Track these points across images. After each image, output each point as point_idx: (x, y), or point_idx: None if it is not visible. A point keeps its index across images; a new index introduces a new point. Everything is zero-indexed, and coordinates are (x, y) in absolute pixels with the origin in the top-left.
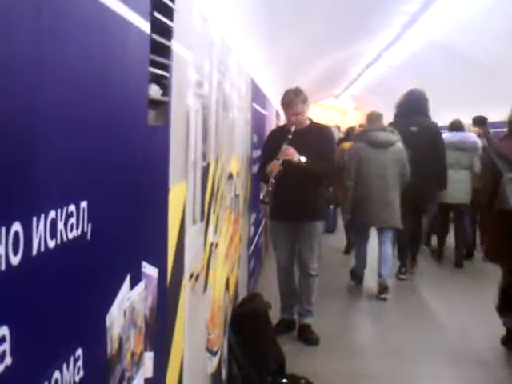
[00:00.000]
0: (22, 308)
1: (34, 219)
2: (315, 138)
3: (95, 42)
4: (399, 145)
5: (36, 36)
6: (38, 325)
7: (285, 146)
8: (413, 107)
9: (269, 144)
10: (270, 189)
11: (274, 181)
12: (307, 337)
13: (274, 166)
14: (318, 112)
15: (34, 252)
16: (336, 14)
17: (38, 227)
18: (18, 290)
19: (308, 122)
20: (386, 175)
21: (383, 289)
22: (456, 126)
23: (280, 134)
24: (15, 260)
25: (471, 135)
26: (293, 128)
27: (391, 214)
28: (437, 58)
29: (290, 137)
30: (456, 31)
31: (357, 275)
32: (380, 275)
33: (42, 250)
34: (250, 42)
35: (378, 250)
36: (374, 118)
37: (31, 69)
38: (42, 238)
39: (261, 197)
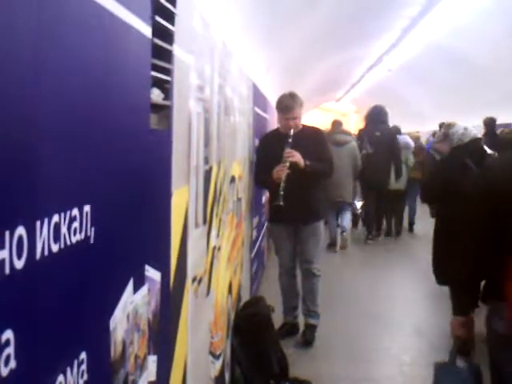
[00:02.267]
0: (26, 312)
1: (38, 223)
2: (311, 140)
3: (96, 45)
4: (353, 143)
5: (36, 40)
6: (42, 328)
7: (288, 150)
8: (376, 117)
9: (264, 149)
10: (282, 192)
11: (284, 184)
12: (308, 336)
13: (282, 171)
14: (318, 115)
15: (38, 256)
16: (337, 17)
17: (41, 231)
18: (22, 293)
19: (301, 125)
20: (343, 165)
21: (344, 240)
22: (396, 130)
23: (275, 138)
24: (19, 264)
25: (404, 137)
26: (291, 132)
27: (346, 192)
28: (437, 62)
29: (290, 140)
30: (456, 34)
31: (331, 244)
32: (339, 225)
33: (46, 253)
34: (251, 46)
35: (340, 217)
36: (336, 124)
37: (32, 74)
38: (45, 241)
39: (270, 201)
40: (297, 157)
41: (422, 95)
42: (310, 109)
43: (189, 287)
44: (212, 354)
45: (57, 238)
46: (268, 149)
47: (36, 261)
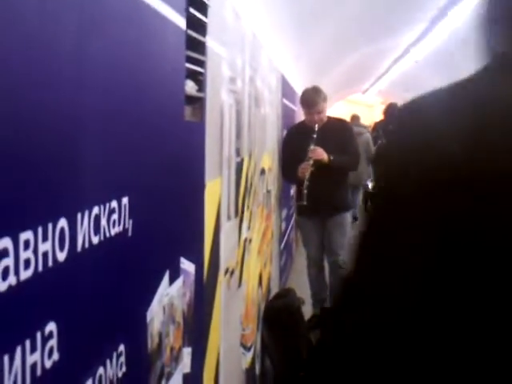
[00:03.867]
0: (68, 304)
1: (79, 215)
2: (337, 132)
3: (134, 38)
4: (367, 135)
5: (78, 32)
6: (84, 321)
7: (312, 147)
8: (392, 113)
9: (290, 143)
10: (305, 191)
11: (308, 183)
12: None
13: (306, 169)
14: (345, 107)
15: (79, 248)
16: (365, 8)
17: (82, 223)
18: (64, 286)
19: (326, 118)
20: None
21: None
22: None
23: (301, 131)
24: (61, 256)
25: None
26: (316, 127)
27: (361, 175)
28: (464, 53)
29: (315, 136)
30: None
31: None
32: None
33: (87, 246)
34: (280, 38)
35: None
36: (354, 118)
37: (73, 68)
38: (86, 234)
39: (296, 196)
40: (320, 154)
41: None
42: (336, 101)
43: (221, 279)
44: (243, 345)
45: (97, 231)
46: (294, 142)
47: (77, 253)
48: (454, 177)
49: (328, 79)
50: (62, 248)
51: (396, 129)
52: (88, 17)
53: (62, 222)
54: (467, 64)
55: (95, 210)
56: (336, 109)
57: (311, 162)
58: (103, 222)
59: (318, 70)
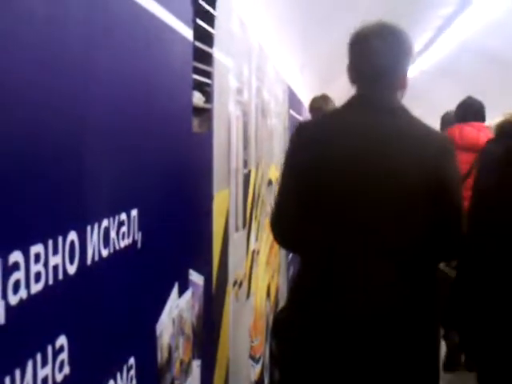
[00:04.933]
0: (79, 317)
1: (89, 228)
2: None
3: (141, 49)
4: None
5: (84, 42)
6: (94, 334)
7: None
8: None
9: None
10: None
11: None
12: None
13: None
14: None
15: (89, 261)
16: (369, 17)
17: (92, 236)
18: (75, 299)
19: None
20: None
21: None
22: None
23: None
24: (72, 269)
25: None
26: None
27: None
28: (471, 61)
29: None
30: (490, 33)
31: None
32: None
33: (96, 258)
34: (286, 49)
35: None
36: None
37: (80, 78)
38: (95, 246)
39: None
40: None
41: (454, 95)
42: None
43: (230, 291)
44: (252, 357)
45: (106, 243)
46: None
47: (87, 266)
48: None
49: (335, 89)
50: (72, 261)
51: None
52: (94, 27)
53: (72, 235)
54: (474, 72)
55: (104, 222)
56: None
57: None
58: (112, 234)
59: (324, 81)
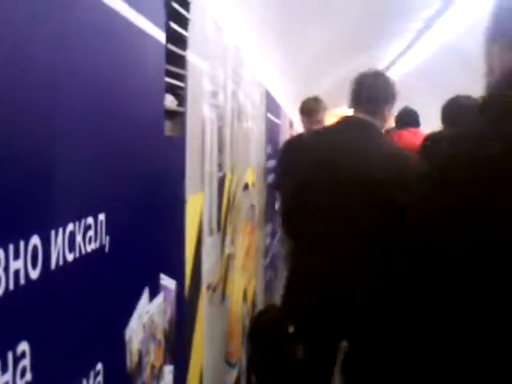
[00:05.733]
0: (42, 322)
1: (53, 232)
2: None
3: (111, 51)
4: None
5: (50, 45)
6: (58, 339)
7: None
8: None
9: (288, 155)
10: None
11: None
12: None
13: None
14: (330, 121)
15: (53, 265)
16: (351, 22)
17: (56, 240)
18: (38, 304)
19: None
20: None
21: None
22: None
23: (298, 143)
24: (34, 274)
25: None
26: None
27: None
28: (451, 64)
29: None
30: (470, 35)
31: None
32: None
33: (61, 263)
34: (264, 52)
35: None
36: None
37: (46, 80)
38: (60, 251)
39: None
40: None
41: (434, 98)
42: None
43: (203, 295)
44: (228, 362)
45: (72, 248)
46: (292, 155)
47: (51, 270)
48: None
49: (314, 92)
50: (34, 266)
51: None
52: (61, 29)
53: (35, 240)
54: (455, 74)
55: (70, 226)
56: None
57: None
58: (78, 238)
59: (303, 84)
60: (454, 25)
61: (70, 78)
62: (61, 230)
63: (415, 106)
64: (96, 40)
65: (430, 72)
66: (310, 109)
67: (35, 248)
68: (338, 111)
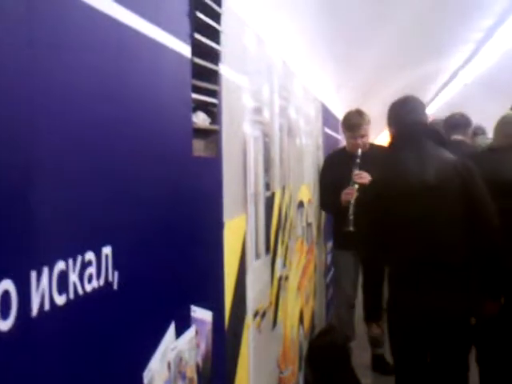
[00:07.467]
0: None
1: (33, 274)
2: (380, 159)
3: (128, 68)
4: None
5: (60, 68)
6: None
7: (357, 172)
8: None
9: (330, 170)
10: (351, 217)
11: (354, 208)
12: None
13: (351, 194)
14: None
15: (34, 312)
16: (410, 32)
17: (38, 282)
18: (14, 358)
19: (368, 144)
20: None
21: None
22: None
23: (342, 158)
24: (4, 325)
25: None
26: (359, 152)
27: None
28: None
29: (358, 161)
30: None
31: None
32: None
33: (47, 308)
34: (317, 66)
35: None
36: None
37: (60, 99)
38: (45, 294)
39: (336, 227)
40: (367, 178)
41: (499, 108)
42: (385, 128)
43: (249, 323)
44: None
45: (63, 289)
46: (334, 170)
47: (32, 318)
48: None
49: (374, 106)
50: (4, 316)
51: None
52: (76, 50)
53: (6, 284)
54: None
55: (60, 264)
56: (385, 136)
57: (356, 186)
58: (73, 277)
59: (362, 97)
60: None
61: (83, 98)
62: (46, 271)
63: (477, 114)
64: (105, 54)
65: (492, 81)
66: (353, 123)
67: (7, 293)
68: None
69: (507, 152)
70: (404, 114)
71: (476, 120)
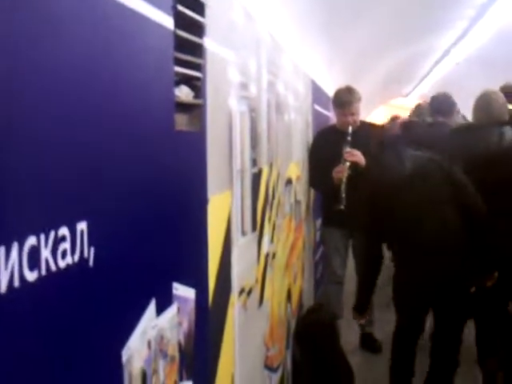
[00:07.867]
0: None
1: (2, 249)
2: (369, 137)
3: (102, 38)
4: None
5: (40, 36)
6: (34, 372)
7: (348, 149)
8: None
9: (320, 148)
10: (343, 195)
11: (345, 186)
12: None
13: (342, 172)
14: (387, 112)
15: (3, 289)
16: (402, 9)
17: (7, 258)
18: None
19: (359, 122)
20: None
21: None
22: None
23: (332, 136)
24: None
25: None
26: (350, 129)
27: None
28: (507, 50)
29: (349, 139)
30: None
31: None
32: None
33: (16, 284)
34: (308, 42)
35: None
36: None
37: (38, 72)
38: (15, 270)
39: (325, 205)
40: (358, 156)
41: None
42: (377, 105)
43: (234, 301)
44: (268, 367)
45: (34, 265)
46: (324, 148)
47: (0, 294)
48: None
49: (365, 83)
50: None
51: None
52: (55, 21)
53: None
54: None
55: (30, 240)
56: (378, 114)
57: (347, 164)
58: (45, 253)
59: (353, 74)
60: (508, 9)
61: (55, 69)
62: (15, 246)
63: (470, 94)
64: (88, 27)
65: (485, 59)
66: (344, 100)
67: None
68: (395, 103)
69: (484, 128)
70: None
71: (465, 97)
